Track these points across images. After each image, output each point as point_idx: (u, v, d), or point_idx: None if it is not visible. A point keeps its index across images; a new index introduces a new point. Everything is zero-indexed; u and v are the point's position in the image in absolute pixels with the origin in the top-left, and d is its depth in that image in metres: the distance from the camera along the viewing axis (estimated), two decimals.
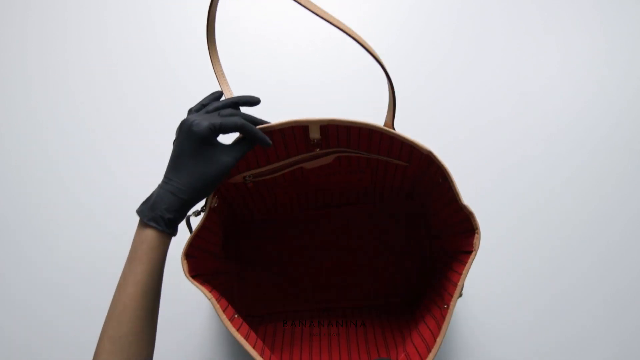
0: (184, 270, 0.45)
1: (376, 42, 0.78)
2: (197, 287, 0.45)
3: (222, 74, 0.50)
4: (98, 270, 0.71)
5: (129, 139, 0.75)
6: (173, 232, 0.44)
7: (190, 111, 0.46)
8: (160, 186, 0.44)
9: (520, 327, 0.71)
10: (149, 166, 0.74)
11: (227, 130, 0.43)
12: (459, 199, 0.47)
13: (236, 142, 0.46)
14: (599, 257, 0.73)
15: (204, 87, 0.76)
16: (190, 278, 0.45)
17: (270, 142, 0.46)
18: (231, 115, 0.45)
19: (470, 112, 0.77)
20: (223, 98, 0.49)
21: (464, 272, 0.47)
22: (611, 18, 0.79)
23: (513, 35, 0.79)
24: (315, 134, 0.50)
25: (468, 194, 0.75)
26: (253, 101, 0.48)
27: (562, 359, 0.70)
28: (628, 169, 0.76)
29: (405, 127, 0.76)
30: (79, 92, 0.76)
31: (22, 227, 0.72)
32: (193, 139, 0.42)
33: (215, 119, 0.43)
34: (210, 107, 0.46)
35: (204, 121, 0.42)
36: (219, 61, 0.50)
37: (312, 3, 0.43)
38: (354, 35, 0.44)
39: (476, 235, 0.47)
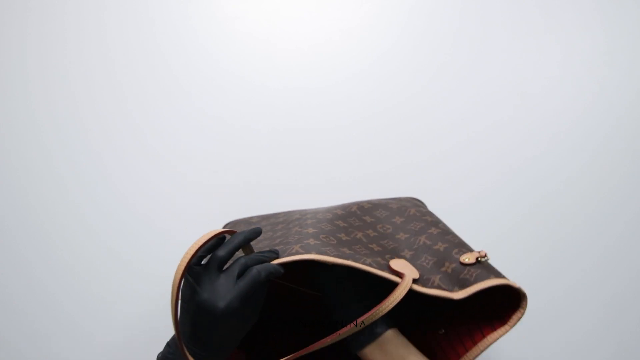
0: None
1: (377, 43, 0.78)
2: None
3: None
4: (95, 273, 0.72)
5: (128, 139, 0.75)
6: None
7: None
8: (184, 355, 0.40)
9: (520, 327, 0.71)
10: (148, 166, 0.74)
11: (249, 294, 0.39)
12: (509, 283, 0.43)
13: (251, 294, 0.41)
14: (599, 257, 0.73)
15: (203, 87, 0.76)
16: None
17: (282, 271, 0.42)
18: (245, 267, 0.40)
19: (472, 113, 0.77)
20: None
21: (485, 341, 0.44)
22: (612, 18, 0.79)
23: (514, 36, 0.79)
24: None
25: (469, 195, 0.75)
26: (257, 235, 0.43)
27: (562, 358, 0.70)
28: (629, 169, 0.76)
29: (406, 129, 0.77)
30: (78, 92, 0.76)
31: (20, 228, 0.72)
32: (216, 321, 0.39)
33: (233, 290, 0.39)
34: (213, 262, 0.40)
35: (222, 301, 0.38)
36: None
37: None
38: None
39: (520, 310, 0.44)
